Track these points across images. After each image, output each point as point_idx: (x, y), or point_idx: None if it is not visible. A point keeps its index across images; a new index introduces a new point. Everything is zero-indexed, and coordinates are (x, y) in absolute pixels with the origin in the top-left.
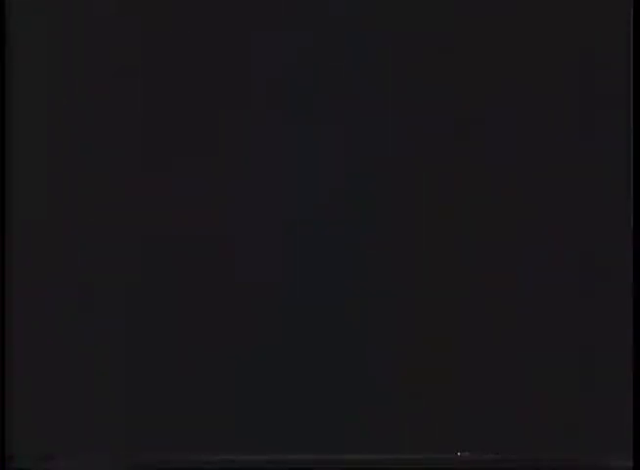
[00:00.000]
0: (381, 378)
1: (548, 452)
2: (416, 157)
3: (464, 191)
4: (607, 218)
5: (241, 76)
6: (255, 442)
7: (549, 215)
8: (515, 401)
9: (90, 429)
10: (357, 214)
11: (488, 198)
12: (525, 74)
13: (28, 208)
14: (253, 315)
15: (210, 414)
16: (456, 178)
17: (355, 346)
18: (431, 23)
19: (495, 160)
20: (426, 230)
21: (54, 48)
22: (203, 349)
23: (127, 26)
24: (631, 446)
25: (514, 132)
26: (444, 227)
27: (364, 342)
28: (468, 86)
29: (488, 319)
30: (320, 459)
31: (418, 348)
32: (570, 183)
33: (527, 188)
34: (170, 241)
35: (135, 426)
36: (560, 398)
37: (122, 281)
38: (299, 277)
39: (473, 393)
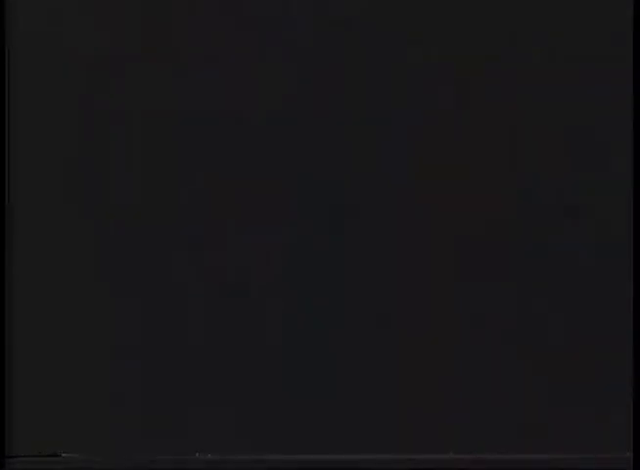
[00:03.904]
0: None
1: (547, 451)
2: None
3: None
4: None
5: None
6: (255, 442)
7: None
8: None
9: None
10: None
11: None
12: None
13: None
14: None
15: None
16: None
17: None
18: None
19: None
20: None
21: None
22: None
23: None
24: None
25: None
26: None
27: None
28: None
29: (486, 317)
30: (319, 459)
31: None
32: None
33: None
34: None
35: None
36: (559, 397)
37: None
38: None
39: (471, 392)
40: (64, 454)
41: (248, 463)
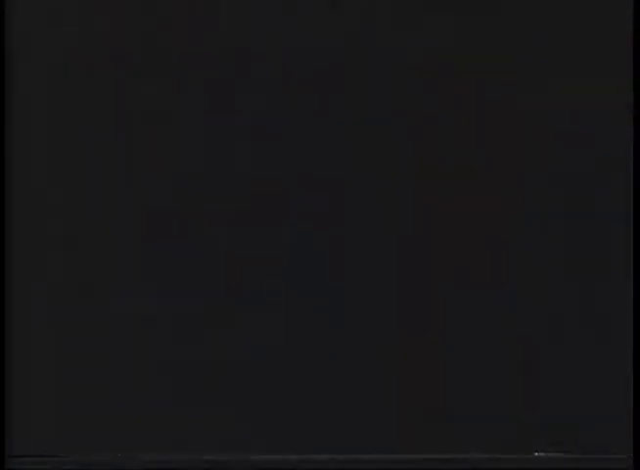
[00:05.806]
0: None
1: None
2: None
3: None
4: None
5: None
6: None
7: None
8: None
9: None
10: None
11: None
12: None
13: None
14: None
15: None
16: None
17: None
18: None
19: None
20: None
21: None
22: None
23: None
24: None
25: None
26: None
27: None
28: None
29: (485, 316)
30: (319, 459)
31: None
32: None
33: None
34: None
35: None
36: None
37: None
38: None
39: (471, 392)
40: (64, 454)
41: (247, 463)
